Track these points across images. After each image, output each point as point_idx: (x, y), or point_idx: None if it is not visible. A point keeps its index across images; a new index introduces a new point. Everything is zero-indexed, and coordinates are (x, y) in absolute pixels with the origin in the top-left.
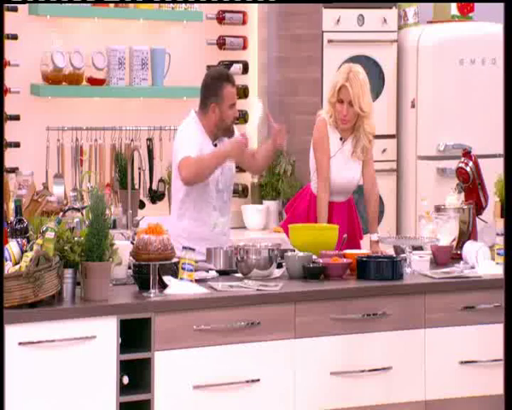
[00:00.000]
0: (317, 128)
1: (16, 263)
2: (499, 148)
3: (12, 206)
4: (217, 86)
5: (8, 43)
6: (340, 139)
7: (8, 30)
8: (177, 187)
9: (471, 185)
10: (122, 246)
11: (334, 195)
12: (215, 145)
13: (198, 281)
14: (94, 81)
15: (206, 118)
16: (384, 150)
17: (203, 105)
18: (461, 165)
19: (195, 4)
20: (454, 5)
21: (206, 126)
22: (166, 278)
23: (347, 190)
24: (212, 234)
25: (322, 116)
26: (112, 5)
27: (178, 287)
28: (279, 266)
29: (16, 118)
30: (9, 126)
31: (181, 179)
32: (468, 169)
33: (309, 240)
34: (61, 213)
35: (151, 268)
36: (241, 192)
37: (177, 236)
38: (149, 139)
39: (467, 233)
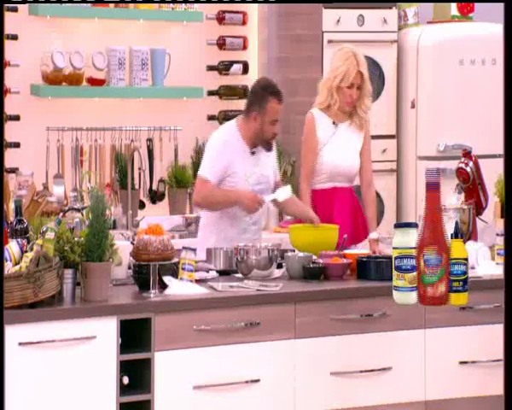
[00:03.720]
0: (305, 126)
1: (16, 263)
2: (499, 148)
3: (12, 206)
4: (262, 97)
5: (8, 44)
6: (333, 123)
7: (8, 30)
8: None
9: (471, 185)
10: (122, 246)
11: (336, 179)
12: (253, 153)
13: (198, 281)
14: (94, 81)
15: (247, 124)
16: (384, 150)
17: (246, 110)
18: (461, 165)
19: (195, 4)
20: (454, 5)
21: (245, 133)
22: (166, 279)
23: (348, 175)
24: (240, 238)
25: (309, 112)
26: (112, 5)
27: (178, 287)
28: (279, 266)
29: (16, 118)
30: (9, 127)
31: (193, 198)
32: (468, 169)
33: (309, 240)
34: (61, 214)
35: (151, 268)
36: None
37: (209, 225)
38: (149, 139)
39: (467, 233)
